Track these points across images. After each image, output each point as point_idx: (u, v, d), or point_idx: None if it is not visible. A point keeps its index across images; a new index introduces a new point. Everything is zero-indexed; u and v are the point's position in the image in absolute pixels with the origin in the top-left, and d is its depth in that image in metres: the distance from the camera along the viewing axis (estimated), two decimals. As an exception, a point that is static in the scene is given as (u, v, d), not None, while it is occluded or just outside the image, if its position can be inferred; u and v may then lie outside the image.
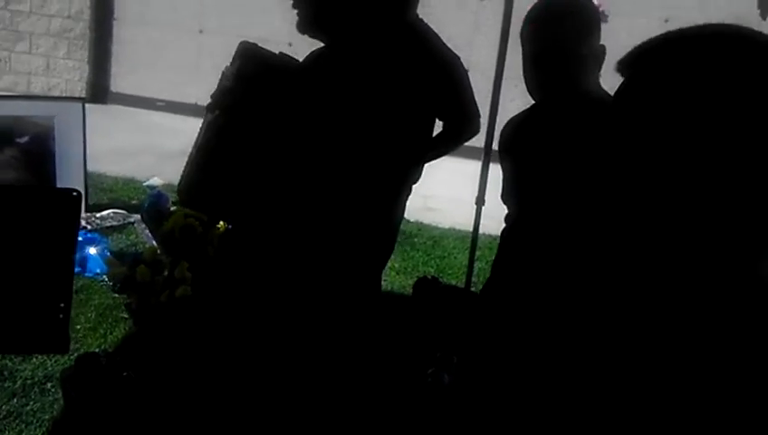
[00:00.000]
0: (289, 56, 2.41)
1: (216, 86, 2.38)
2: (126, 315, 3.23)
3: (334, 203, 2.44)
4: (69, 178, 4.27)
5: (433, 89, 2.45)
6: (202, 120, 2.38)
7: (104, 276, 3.42)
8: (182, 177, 2.39)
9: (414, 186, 2.65)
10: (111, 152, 5.54)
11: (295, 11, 2.41)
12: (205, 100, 2.38)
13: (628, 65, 0.79)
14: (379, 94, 2.36)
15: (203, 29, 7.11)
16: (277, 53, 2.38)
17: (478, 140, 2.88)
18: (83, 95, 6.96)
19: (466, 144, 2.68)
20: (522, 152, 2.01)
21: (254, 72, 2.30)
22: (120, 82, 7.30)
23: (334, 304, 2.56)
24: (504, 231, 2.11)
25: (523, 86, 1.93)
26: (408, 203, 2.70)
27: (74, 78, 7.11)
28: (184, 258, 3.24)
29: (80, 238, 3.66)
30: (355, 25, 2.40)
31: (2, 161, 4.11)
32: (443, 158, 2.70)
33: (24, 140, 4.15)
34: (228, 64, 2.38)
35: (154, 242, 3.83)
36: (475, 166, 3.31)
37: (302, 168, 2.37)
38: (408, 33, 2.46)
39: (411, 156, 2.57)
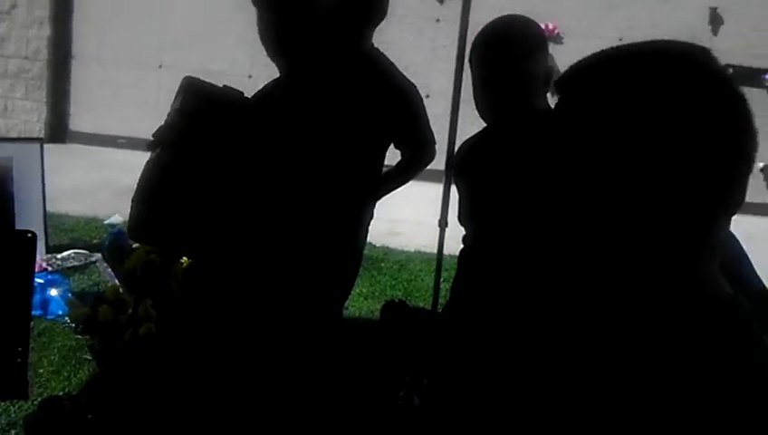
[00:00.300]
0: (233, 89, 2.42)
1: None
2: (89, 357, 3.18)
3: (291, 233, 2.45)
4: (28, 219, 4.21)
5: (389, 117, 2.49)
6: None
7: (66, 318, 3.37)
8: (129, 215, 2.38)
9: (378, 210, 2.68)
10: (71, 191, 5.49)
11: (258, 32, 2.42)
12: (165, 135, 2.38)
13: (560, 85, 0.81)
14: (333, 123, 2.38)
15: (162, 64, 7.10)
16: (222, 86, 2.39)
17: (439, 163, 2.91)
18: (42, 135, 6.90)
19: (428, 168, 2.72)
20: (475, 174, 2.04)
21: (196, 107, 2.31)
22: (79, 120, 7.25)
23: (299, 334, 2.55)
24: (461, 252, 2.14)
25: None
26: (372, 228, 2.72)
27: (32, 118, 7.05)
28: (147, 295, 3.21)
29: (41, 280, 3.61)
30: (311, 53, 2.42)
31: (-41, 206, 4.06)
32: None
33: (-20, 183, 4.10)
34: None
35: (116, 281, 3.79)
36: (438, 189, 3.34)
37: (252, 200, 2.38)
38: (363, 62, 2.49)
39: (368, 187, 2.60)
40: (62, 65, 7.16)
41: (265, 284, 2.54)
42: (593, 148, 0.74)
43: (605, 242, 0.75)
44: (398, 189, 2.73)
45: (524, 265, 1.66)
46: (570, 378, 0.82)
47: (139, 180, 2.31)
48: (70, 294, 3.50)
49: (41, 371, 3.10)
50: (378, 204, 2.71)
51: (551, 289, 0.90)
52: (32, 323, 3.50)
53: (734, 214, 0.76)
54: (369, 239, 5.46)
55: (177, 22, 7.05)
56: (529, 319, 1.02)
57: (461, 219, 2.09)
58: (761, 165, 6.60)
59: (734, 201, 0.74)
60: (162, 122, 2.39)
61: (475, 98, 1.96)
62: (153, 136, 2.32)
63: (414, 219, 5.45)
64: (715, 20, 6.66)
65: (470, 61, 1.97)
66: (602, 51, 0.80)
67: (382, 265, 5.04)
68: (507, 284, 1.83)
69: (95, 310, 3.09)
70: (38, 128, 7.01)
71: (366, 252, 5.05)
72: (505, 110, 1.91)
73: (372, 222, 2.70)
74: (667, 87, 0.73)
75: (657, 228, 0.73)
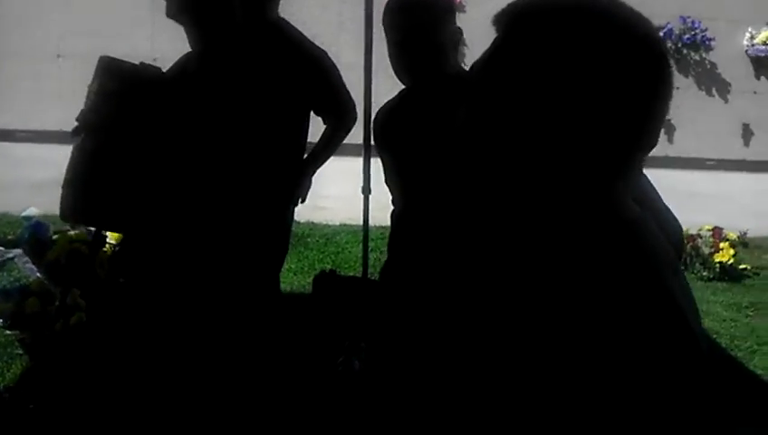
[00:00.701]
0: (152, 66, 2.40)
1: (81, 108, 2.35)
2: (21, 351, 3.11)
3: (219, 208, 2.46)
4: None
5: (304, 84, 2.51)
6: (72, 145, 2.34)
7: (-9, 315, 3.28)
8: (62, 200, 2.34)
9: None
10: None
11: None
12: (69, 124, 2.33)
13: (497, 21, 0.86)
14: (250, 94, 2.40)
15: (60, 54, 6.86)
16: (138, 63, 2.36)
17: (357, 137, 2.96)
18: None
19: (347, 142, 2.76)
20: (397, 136, 2.09)
21: (116, 87, 2.28)
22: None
23: (235, 307, 2.57)
24: (392, 214, 2.19)
25: (394, 79, 2.02)
26: (298, 205, 2.75)
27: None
28: (74, 285, 3.15)
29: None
30: (221, 25, 2.42)
31: None
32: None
33: None
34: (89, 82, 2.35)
35: (38, 274, 3.70)
36: (359, 162, 3.38)
37: (181, 176, 2.37)
38: (272, 32, 2.51)
39: (294, 158, 2.62)
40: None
41: (198, 262, 2.55)
42: (524, 84, 0.79)
43: (525, 174, 0.81)
44: (325, 165, 2.76)
45: (454, 218, 1.73)
46: (494, 322, 0.87)
47: (69, 165, 2.28)
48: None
49: (-28, 368, 3.01)
50: None
51: (474, 235, 0.96)
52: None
53: (647, 153, 0.83)
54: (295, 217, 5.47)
55: (72, 10, 6.82)
56: (458, 273, 1.07)
57: (387, 183, 2.14)
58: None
59: (647, 142, 0.81)
60: (70, 111, 2.35)
61: (390, 61, 2.01)
62: (77, 120, 2.28)
63: (337, 194, 5.48)
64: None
65: (383, 23, 2.02)
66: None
67: (308, 240, 5.07)
68: (440, 240, 1.90)
69: (21, 304, 3.02)
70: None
71: (292, 229, 5.09)
72: (421, 72, 1.97)
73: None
74: (593, 33, 0.78)
75: (574, 160, 0.79)
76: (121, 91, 2.26)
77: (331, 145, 2.75)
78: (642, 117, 0.79)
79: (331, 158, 2.78)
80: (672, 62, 0.84)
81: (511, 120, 0.80)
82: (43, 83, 6.81)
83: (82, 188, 2.27)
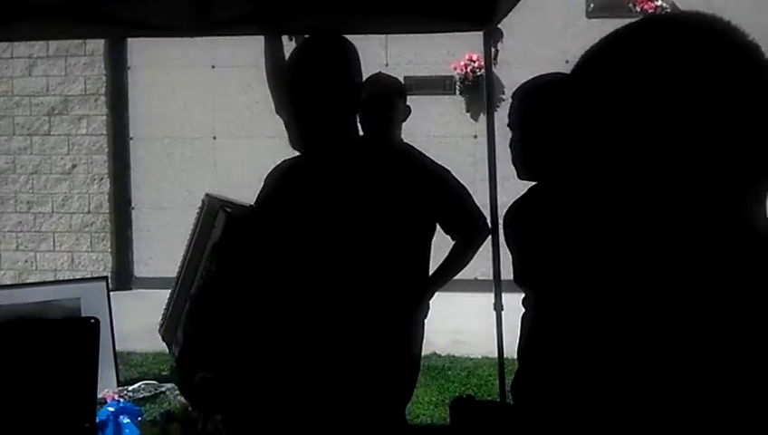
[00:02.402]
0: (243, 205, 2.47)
1: None
2: (164, 477, 3.16)
3: (343, 339, 2.41)
4: (100, 357, 4.32)
5: (430, 203, 2.52)
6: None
7: (138, 441, 3.39)
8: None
9: (438, 322, 2.68)
10: (139, 332, 5.59)
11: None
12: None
13: (576, 74, 0.84)
14: (373, 216, 2.39)
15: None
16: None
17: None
18: (110, 285, 7.14)
19: (486, 278, 2.72)
20: (522, 233, 2.06)
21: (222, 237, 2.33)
22: (143, 266, 7.50)
23: None
24: (523, 316, 2.12)
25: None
26: (435, 339, 2.71)
27: (99, 269, 7.32)
28: (216, 411, 3.21)
29: (112, 408, 3.66)
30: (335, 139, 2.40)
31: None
32: (460, 294, 2.74)
33: (53, 324, 4.25)
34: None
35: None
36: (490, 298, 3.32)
37: (299, 308, 2.36)
38: (396, 151, 2.58)
39: (418, 281, 2.60)
40: (123, 216, 7.50)
41: (323, 396, 2.49)
42: (637, 122, 0.75)
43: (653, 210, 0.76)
44: (457, 301, 2.73)
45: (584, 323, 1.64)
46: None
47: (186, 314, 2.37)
48: (140, 419, 3.53)
49: (117, 497, 3.09)
50: (438, 316, 2.69)
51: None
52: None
53: None
54: (433, 350, 5.38)
55: (224, 163, 7.39)
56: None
57: (516, 280, 2.09)
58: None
59: None
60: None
61: (514, 159, 2.00)
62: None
63: (478, 328, 5.41)
64: None
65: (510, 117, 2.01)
66: (614, 31, 0.82)
67: (449, 373, 4.97)
68: (579, 338, 1.80)
69: (165, 429, 3.10)
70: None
71: (432, 362, 5.01)
72: (544, 167, 1.94)
73: (434, 334, 2.69)
74: (695, 57, 0.74)
75: (706, 179, 0.74)
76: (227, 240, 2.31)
77: (459, 262, 2.72)
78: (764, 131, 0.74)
79: (464, 294, 2.75)
80: None
81: (636, 152, 0.76)
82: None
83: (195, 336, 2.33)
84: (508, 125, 2.01)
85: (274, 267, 2.30)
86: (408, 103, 2.88)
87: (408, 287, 2.52)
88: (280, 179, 2.37)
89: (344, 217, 2.31)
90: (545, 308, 2.01)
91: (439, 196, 2.58)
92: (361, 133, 2.54)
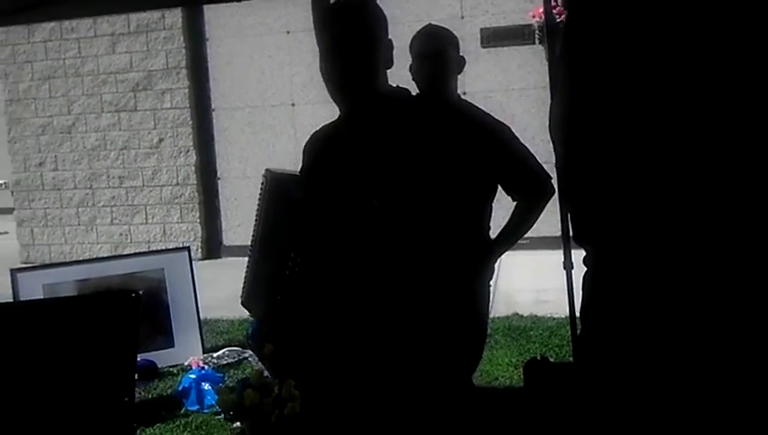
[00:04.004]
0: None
1: None
2: (243, 443, 3.24)
3: (406, 303, 2.36)
4: (184, 324, 4.46)
5: (491, 162, 2.42)
6: None
7: (217, 407, 3.48)
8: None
9: (522, 280, 2.61)
10: (225, 299, 5.71)
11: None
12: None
13: None
14: (429, 173, 2.32)
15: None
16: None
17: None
18: (200, 254, 7.36)
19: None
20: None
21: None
22: (232, 235, 7.67)
23: (429, 412, 2.45)
24: (584, 276, 2.01)
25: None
26: (519, 299, 2.65)
27: (189, 239, 7.54)
28: (290, 376, 3.24)
29: (194, 375, 3.77)
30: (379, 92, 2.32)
31: (121, 318, 4.36)
32: (543, 251, 2.65)
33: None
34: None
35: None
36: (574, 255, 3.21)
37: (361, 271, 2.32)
38: (451, 108, 2.49)
39: (479, 241, 2.52)
40: (210, 187, 7.68)
41: (388, 363, 2.46)
42: None
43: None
44: (540, 258, 2.65)
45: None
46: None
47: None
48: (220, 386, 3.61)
49: (197, 462, 3.19)
50: (520, 274, 2.62)
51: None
52: (189, 417, 3.66)
53: None
54: (515, 310, 5.27)
55: (303, 129, 7.42)
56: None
57: (575, 238, 1.98)
58: None
59: None
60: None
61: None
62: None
63: (560, 287, 5.28)
64: None
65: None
66: None
67: (531, 333, 4.87)
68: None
69: (241, 395, 3.16)
70: (195, 247, 7.47)
71: (513, 322, 4.92)
72: None
73: (516, 294, 2.62)
74: None
75: None
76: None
77: (522, 224, 2.59)
78: None
79: (552, 251, 2.65)
80: None
81: None
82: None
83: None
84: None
85: (333, 236, 2.29)
86: (462, 54, 2.78)
87: (469, 250, 2.45)
88: (323, 148, 2.35)
89: (398, 179, 2.26)
90: (606, 266, 1.90)
91: (498, 154, 2.48)
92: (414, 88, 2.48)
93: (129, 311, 1.51)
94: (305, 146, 2.42)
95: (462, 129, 2.40)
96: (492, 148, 2.46)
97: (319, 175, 2.32)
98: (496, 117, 2.59)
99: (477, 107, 2.58)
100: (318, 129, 2.44)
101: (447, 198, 2.26)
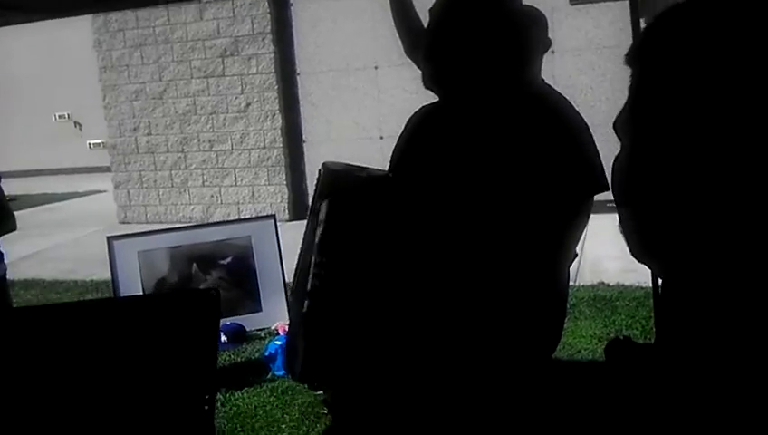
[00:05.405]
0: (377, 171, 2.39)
1: None
2: (325, 410, 3.34)
3: (485, 285, 2.35)
4: (271, 290, 4.58)
5: (561, 158, 2.35)
6: None
7: (302, 376, 3.59)
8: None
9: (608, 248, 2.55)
10: (312, 262, 5.90)
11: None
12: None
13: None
14: (509, 164, 2.29)
15: (383, 135, 7.48)
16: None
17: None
18: (287, 216, 7.52)
19: None
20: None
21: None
22: (317, 197, 7.81)
23: (506, 394, 2.46)
24: (662, 287, 1.96)
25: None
26: (604, 268, 2.58)
27: (277, 201, 7.71)
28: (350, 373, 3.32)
29: (279, 342, 3.89)
30: (478, 85, 2.33)
31: (212, 283, 4.52)
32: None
33: (228, 261, 4.55)
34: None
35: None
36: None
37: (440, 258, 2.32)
38: (529, 97, 2.41)
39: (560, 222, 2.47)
40: (296, 150, 7.80)
41: (463, 344, 2.46)
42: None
43: None
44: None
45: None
46: None
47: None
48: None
49: (283, 426, 3.31)
50: (607, 242, 2.55)
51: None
52: (276, 382, 3.79)
53: None
54: (600, 279, 5.15)
55: (386, 92, 7.42)
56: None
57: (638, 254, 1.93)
58: None
59: None
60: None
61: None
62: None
63: (651, 252, 5.15)
64: None
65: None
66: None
67: (617, 303, 4.77)
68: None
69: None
70: (282, 208, 7.65)
71: (599, 292, 4.83)
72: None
73: (602, 262, 2.56)
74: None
75: None
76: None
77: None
78: None
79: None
80: None
81: None
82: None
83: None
84: None
85: (415, 220, 2.30)
86: (549, 36, 2.69)
87: (547, 238, 2.42)
88: (419, 129, 2.35)
89: (485, 165, 2.26)
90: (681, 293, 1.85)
91: (566, 157, 2.39)
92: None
93: (209, 309, 1.57)
94: (407, 121, 2.42)
95: (536, 124, 2.33)
96: (563, 149, 2.37)
97: (409, 154, 2.33)
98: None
99: (558, 98, 2.46)
100: (429, 103, 2.43)
101: (522, 189, 2.25)
